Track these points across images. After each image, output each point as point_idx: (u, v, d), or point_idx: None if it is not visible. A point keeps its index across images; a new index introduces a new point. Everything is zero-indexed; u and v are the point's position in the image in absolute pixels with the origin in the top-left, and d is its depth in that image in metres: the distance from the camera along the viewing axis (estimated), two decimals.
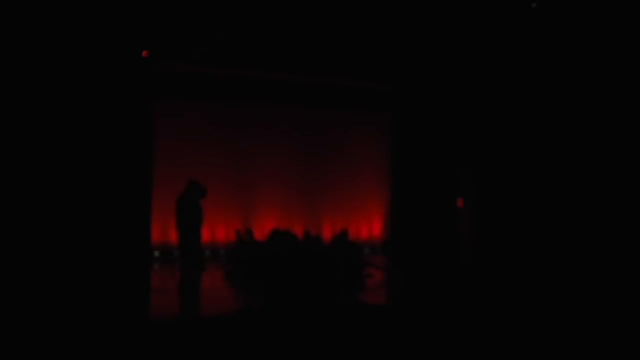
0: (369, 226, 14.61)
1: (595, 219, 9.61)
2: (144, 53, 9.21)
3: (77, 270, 8.32)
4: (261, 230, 12.33)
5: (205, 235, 11.18)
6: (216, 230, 13.10)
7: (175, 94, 12.33)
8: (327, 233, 12.77)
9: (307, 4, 9.45)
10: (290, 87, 13.30)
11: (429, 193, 13.18)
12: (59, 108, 8.50)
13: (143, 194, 9.37)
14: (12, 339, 6.26)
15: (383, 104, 14.42)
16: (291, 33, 10.39)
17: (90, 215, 8.58)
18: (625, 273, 9.13)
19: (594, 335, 6.95)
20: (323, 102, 13.83)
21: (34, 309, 7.39)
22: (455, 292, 9.58)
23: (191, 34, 9.80)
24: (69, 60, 8.56)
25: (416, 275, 11.45)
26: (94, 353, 6.20)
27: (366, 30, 10.67)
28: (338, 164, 14.41)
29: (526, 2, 9.62)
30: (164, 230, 12.35)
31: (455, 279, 10.74)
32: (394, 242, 14.51)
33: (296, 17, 9.86)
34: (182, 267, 9.77)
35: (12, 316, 7.04)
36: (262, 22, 9.96)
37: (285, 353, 6.36)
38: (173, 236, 10.36)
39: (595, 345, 6.66)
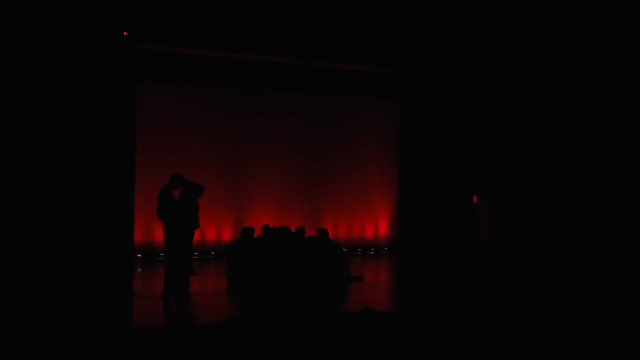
0: (375, 224, 14.59)
1: (627, 217, 9.50)
2: (125, 33, 9.11)
3: (48, 274, 8.23)
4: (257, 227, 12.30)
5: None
6: (205, 229, 13.07)
7: (159, 77, 12.27)
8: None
9: None
10: (289, 71, 13.22)
11: (441, 188, 13.13)
12: (28, 90, 8.40)
13: (124, 188, 9.26)
14: None
15: (391, 90, 14.36)
16: (291, 13, 10.31)
17: (64, 211, 8.48)
18: None
19: (619, 341, 6.93)
20: (325, 88, 13.77)
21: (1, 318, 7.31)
22: (468, 298, 9.57)
23: (179, 11, 9.72)
24: (42, 37, 8.45)
25: (425, 280, 11.44)
26: None
27: (373, 9, 10.59)
28: (341, 156, 14.38)
29: None
30: (147, 229, 12.36)
31: (469, 284, 10.74)
32: (402, 243, 14.52)
33: None
34: (168, 270, 9.74)
35: None
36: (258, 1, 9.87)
37: None
38: (158, 236, 10.36)
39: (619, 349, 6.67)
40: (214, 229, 13.42)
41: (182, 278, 9.99)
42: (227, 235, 13.41)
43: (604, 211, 9.62)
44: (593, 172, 9.81)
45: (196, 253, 12.93)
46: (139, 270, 11.83)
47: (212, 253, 13.40)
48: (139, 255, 12.41)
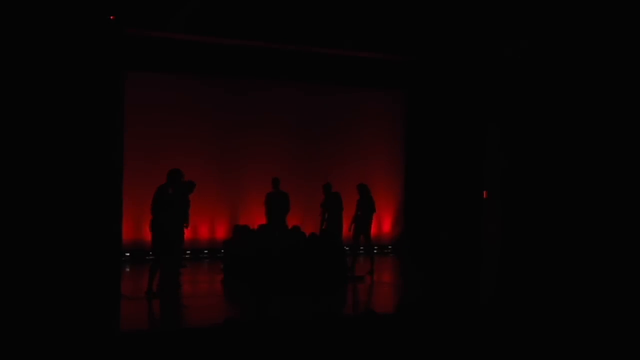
0: (378, 221, 14.56)
1: None
2: (112, 17, 9.10)
3: (31, 275, 8.24)
4: (252, 226, 12.29)
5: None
6: (198, 227, 13.09)
7: (148, 65, 12.23)
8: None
9: None
10: (286, 57, 13.17)
11: (449, 183, 13.10)
12: (6, 78, 8.39)
13: (112, 183, 9.27)
14: None
15: (395, 78, 14.30)
16: None
17: (45, 207, 8.46)
18: None
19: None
20: (326, 76, 13.72)
21: None
22: (475, 302, 9.58)
23: None
24: (21, 21, 8.43)
25: (431, 280, 11.44)
26: None
27: None
28: (342, 149, 14.38)
29: None
30: (136, 226, 12.37)
31: (476, 287, 10.73)
32: (407, 240, 14.52)
33: None
34: (154, 268, 9.77)
35: None
36: None
37: None
38: (147, 233, 10.36)
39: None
40: (207, 227, 13.43)
41: (172, 277, 10.02)
42: (221, 233, 13.41)
43: (628, 210, 9.53)
44: (614, 164, 9.71)
45: (188, 252, 12.96)
46: (127, 269, 11.84)
47: (206, 252, 13.41)
48: (127, 254, 12.40)
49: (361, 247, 12.58)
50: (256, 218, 12.81)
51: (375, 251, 13.63)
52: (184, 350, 6.90)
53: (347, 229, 11.98)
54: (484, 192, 11.44)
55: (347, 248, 11.85)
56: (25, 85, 8.42)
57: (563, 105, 10.35)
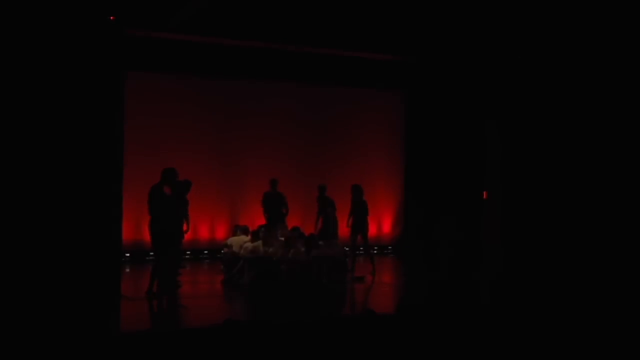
0: (378, 221, 14.58)
1: None
2: (112, 17, 9.11)
3: (32, 275, 8.24)
4: (252, 226, 12.29)
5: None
6: (198, 227, 13.08)
7: (148, 65, 12.24)
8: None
9: None
10: (286, 57, 13.18)
11: (449, 183, 13.11)
12: (8, 79, 8.39)
13: (112, 183, 9.28)
14: None
15: (395, 79, 14.30)
16: None
17: (45, 207, 8.47)
18: None
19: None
20: (325, 77, 13.74)
21: None
22: (477, 300, 9.56)
23: None
24: (23, 21, 8.44)
25: (432, 280, 11.45)
26: None
27: None
28: (342, 150, 14.37)
29: None
30: (136, 227, 12.36)
31: (478, 285, 10.73)
32: (407, 241, 14.51)
33: None
34: (157, 269, 9.76)
35: None
36: None
37: None
38: (147, 234, 10.37)
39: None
40: (207, 227, 13.42)
41: (172, 277, 10.01)
42: (221, 233, 13.40)
43: (627, 209, 9.50)
44: (614, 164, 9.70)
45: (188, 252, 12.95)
46: (127, 270, 11.83)
47: (206, 252, 13.40)
48: (127, 255, 12.38)
49: (360, 248, 12.56)
50: (256, 218, 12.79)
51: (375, 251, 13.65)
52: (183, 351, 6.89)
53: (345, 224, 11.99)
54: (484, 192, 11.46)
55: (346, 249, 11.84)
56: (26, 86, 8.43)
57: (562, 105, 10.36)
